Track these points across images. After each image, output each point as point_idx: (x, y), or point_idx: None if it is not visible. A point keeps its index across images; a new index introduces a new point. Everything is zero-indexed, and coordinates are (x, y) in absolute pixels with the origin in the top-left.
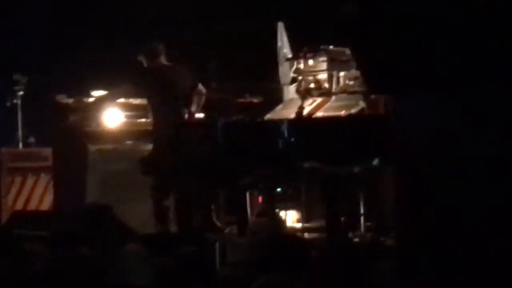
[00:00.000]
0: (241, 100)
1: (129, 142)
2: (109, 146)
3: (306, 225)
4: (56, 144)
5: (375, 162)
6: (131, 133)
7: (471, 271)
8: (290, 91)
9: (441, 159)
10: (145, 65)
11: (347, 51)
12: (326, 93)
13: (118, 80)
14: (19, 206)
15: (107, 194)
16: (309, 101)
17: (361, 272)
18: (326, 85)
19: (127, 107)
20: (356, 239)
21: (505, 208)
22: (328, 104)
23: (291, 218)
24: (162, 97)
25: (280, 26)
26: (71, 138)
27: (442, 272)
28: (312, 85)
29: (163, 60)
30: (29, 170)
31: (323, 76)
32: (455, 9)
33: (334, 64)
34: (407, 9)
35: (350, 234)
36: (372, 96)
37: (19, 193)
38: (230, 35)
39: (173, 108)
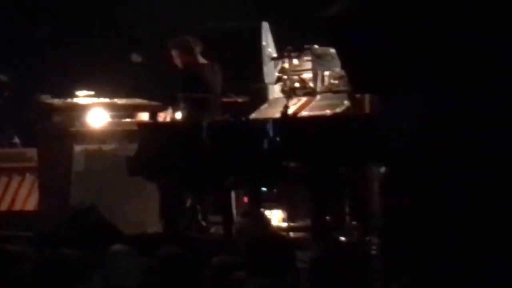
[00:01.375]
0: (226, 99)
1: (114, 142)
2: (94, 146)
3: (291, 224)
4: (41, 145)
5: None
6: (116, 133)
7: (457, 270)
8: (275, 91)
9: (425, 158)
10: (177, 59)
11: (332, 50)
12: (311, 92)
13: (103, 80)
14: (4, 207)
15: (92, 195)
16: (294, 100)
17: (348, 271)
18: (311, 84)
19: (112, 107)
20: (342, 239)
21: (491, 208)
22: (313, 103)
23: (276, 217)
24: (199, 95)
25: (265, 26)
26: (56, 139)
27: (428, 271)
28: (297, 84)
29: (200, 57)
30: (14, 171)
31: (308, 75)
32: (440, 9)
33: (319, 63)
34: (393, 9)
35: (335, 234)
36: (357, 95)
37: (4, 193)
38: (215, 35)
39: (208, 107)
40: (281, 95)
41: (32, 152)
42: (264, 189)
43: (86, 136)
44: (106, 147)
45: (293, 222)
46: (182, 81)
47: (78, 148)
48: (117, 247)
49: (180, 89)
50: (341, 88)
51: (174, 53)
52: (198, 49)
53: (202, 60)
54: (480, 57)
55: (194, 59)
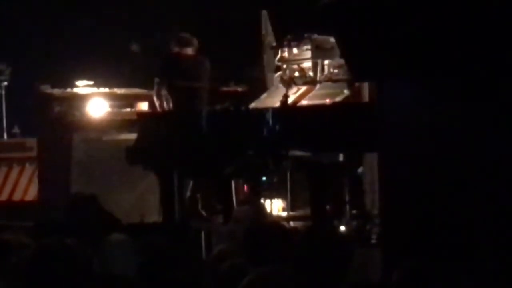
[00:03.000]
0: (225, 88)
1: (114, 131)
2: (94, 136)
3: (291, 213)
4: (41, 134)
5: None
6: (116, 123)
7: (456, 258)
8: (275, 80)
9: (424, 146)
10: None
11: (332, 39)
12: (311, 82)
13: (102, 70)
14: (4, 196)
15: (92, 184)
16: (294, 89)
17: (347, 260)
18: (311, 73)
19: (111, 96)
20: (342, 227)
21: (489, 195)
22: (313, 92)
23: (276, 206)
24: (175, 83)
25: (264, 15)
26: (56, 128)
27: (427, 259)
28: (296, 74)
29: (189, 51)
30: (14, 161)
31: (307, 64)
32: None
33: (319, 52)
34: None
35: (335, 222)
36: (357, 84)
37: (4, 183)
38: (215, 24)
39: (186, 96)
40: (280, 84)
41: (32, 141)
42: (264, 178)
43: (86, 125)
44: (106, 136)
45: (293, 211)
46: (164, 68)
47: (77, 137)
48: (114, 236)
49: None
50: (341, 77)
51: (172, 45)
52: (192, 45)
53: (190, 53)
54: (480, 44)
55: (182, 51)
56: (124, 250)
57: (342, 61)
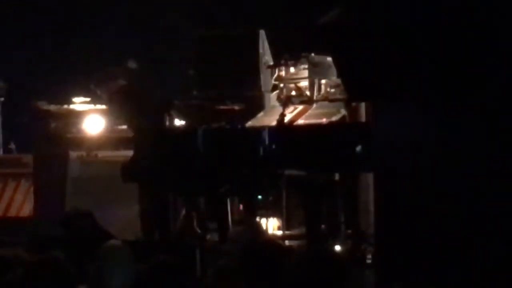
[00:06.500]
0: (222, 107)
1: (109, 148)
2: (89, 153)
3: (286, 232)
4: (36, 151)
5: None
6: (112, 140)
7: (452, 278)
8: (272, 99)
9: (420, 166)
10: None
11: (329, 59)
12: (307, 101)
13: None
14: None
15: (87, 201)
16: (290, 108)
17: (341, 280)
18: (308, 92)
19: (108, 113)
20: (337, 247)
21: (483, 214)
22: (309, 111)
23: (272, 225)
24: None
25: (262, 34)
26: (52, 145)
27: (422, 279)
28: (293, 93)
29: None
30: (9, 176)
31: (304, 83)
32: (433, 19)
33: (316, 72)
34: (390, 18)
35: (330, 242)
36: (353, 104)
37: None
38: (212, 42)
39: None
40: (277, 103)
41: (27, 158)
42: (259, 196)
43: (82, 142)
44: (102, 153)
45: (288, 230)
46: None
47: (73, 154)
48: (111, 242)
49: None
50: (338, 96)
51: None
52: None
53: None
54: (474, 67)
55: None
56: (120, 262)
57: (338, 81)
